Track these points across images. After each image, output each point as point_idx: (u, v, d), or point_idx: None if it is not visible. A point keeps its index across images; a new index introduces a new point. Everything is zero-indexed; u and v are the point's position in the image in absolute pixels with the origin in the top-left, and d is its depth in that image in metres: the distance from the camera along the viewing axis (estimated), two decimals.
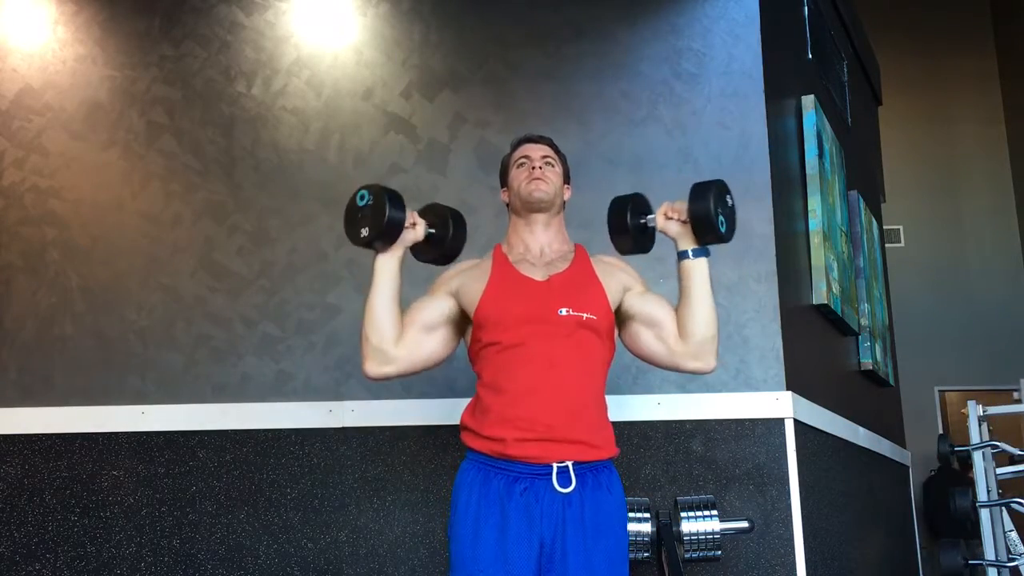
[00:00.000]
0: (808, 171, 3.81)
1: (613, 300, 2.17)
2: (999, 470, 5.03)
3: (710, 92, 3.26)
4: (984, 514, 4.85)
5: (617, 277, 2.22)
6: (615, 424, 2.98)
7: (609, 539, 2.03)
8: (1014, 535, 4.90)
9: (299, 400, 3.17)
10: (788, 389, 3.00)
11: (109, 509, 3.13)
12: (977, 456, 4.93)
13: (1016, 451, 4.94)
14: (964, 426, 5.12)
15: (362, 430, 3.10)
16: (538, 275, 2.16)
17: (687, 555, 2.63)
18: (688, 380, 3.05)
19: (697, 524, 2.62)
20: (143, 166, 3.44)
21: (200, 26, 3.53)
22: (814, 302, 3.70)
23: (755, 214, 3.15)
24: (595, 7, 3.38)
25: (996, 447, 4.94)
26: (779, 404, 2.98)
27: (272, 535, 3.08)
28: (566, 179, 2.34)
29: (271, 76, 3.46)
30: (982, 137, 9.18)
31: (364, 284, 3.25)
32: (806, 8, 4.30)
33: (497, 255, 2.23)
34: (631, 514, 2.64)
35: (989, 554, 4.80)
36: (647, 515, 2.66)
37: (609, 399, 2.99)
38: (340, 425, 3.12)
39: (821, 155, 3.90)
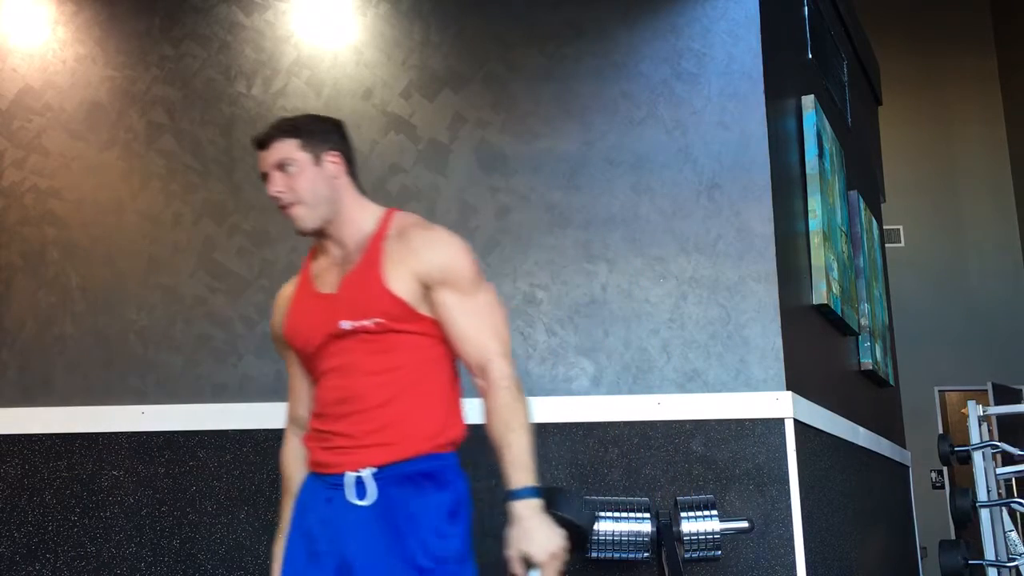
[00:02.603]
0: (808, 171, 3.81)
1: (405, 289, 1.91)
2: (999, 470, 5.03)
3: (710, 92, 3.26)
4: (984, 514, 4.85)
5: (411, 262, 1.92)
6: (616, 424, 3.01)
7: (413, 545, 1.85)
8: (1014, 535, 4.90)
9: None
10: (788, 389, 3.01)
11: (109, 509, 3.14)
12: (977, 456, 4.93)
13: (1016, 451, 4.94)
14: (964, 426, 5.12)
15: None
16: (331, 283, 1.99)
17: (687, 555, 2.63)
18: (688, 380, 3.05)
19: (697, 524, 2.62)
20: (143, 166, 3.44)
21: (200, 26, 3.53)
22: (814, 302, 3.71)
23: (755, 214, 3.15)
24: (595, 7, 3.38)
25: (996, 447, 4.94)
26: (779, 404, 2.98)
27: (272, 535, 3.06)
28: (321, 147, 1.98)
29: (271, 76, 3.46)
30: (982, 137, 9.19)
31: None
32: (806, 8, 4.30)
33: (304, 267, 2.09)
34: (632, 514, 2.64)
35: (989, 554, 4.81)
36: (647, 515, 2.66)
37: (609, 399, 3.02)
38: None
39: (821, 155, 3.90)
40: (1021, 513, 5.01)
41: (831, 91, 4.64)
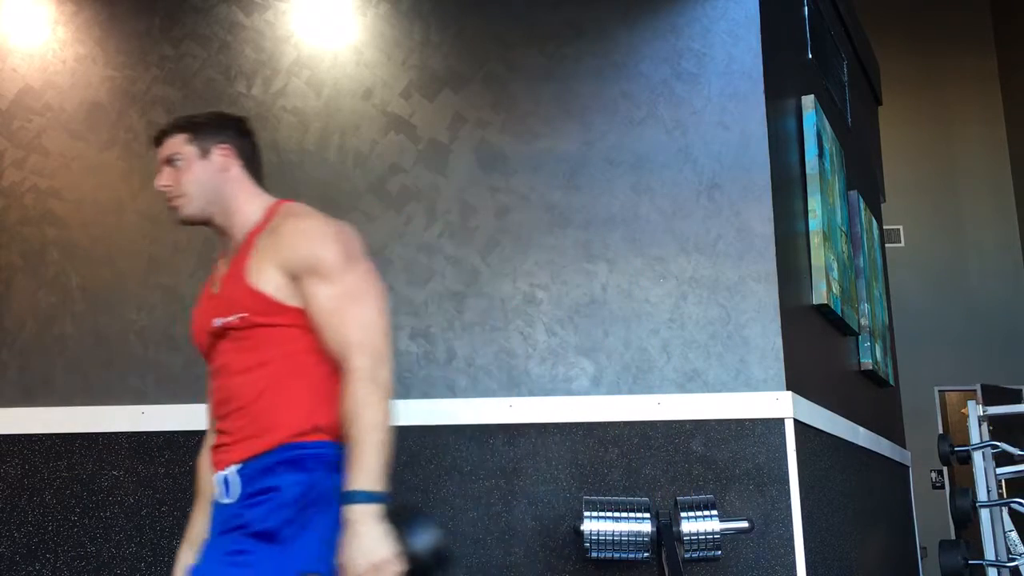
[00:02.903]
0: (808, 171, 3.81)
1: (269, 282, 1.86)
2: (999, 470, 5.04)
3: (710, 92, 3.26)
4: (984, 514, 4.85)
5: (278, 254, 1.87)
6: (616, 424, 3.01)
7: (239, 528, 1.77)
8: (1014, 535, 4.90)
9: None
10: (788, 389, 3.01)
11: (109, 509, 3.13)
12: (977, 456, 4.94)
13: (1016, 451, 4.95)
14: (964, 426, 5.13)
15: None
16: (219, 281, 1.97)
17: (687, 555, 2.63)
18: (688, 380, 3.05)
19: (697, 524, 2.62)
20: (143, 166, 3.44)
21: (200, 26, 3.53)
22: (814, 302, 3.71)
23: (755, 214, 3.15)
24: (595, 7, 3.38)
25: (996, 447, 4.94)
26: (779, 404, 2.98)
27: None
28: (210, 141, 1.99)
29: (271, 76, 3.46)
30: (982, 137, 9.19)
31: None
32: (806, 8, 4.30)
33: (213, 268, 2.09)
34: (632, 514, 2.65)
35: (989, 554, 4.81)
36: (647, 515, 2.66)
37: (609, 399, 3.03)
38: None
39: (821, 155, 3.90)
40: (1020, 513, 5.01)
41: (831, 91, 4.64)
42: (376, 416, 1.76)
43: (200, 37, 3.52)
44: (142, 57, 3.53)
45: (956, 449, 5.07)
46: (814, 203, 3.77)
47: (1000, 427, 5.30)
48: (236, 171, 2.00)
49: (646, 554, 2.65)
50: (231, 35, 3.51)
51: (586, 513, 2.66)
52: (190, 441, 3.16)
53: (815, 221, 3.75)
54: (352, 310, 1.84)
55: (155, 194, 3.40)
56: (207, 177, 1.97)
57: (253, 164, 2.05)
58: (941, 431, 8.42)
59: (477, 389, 3.10)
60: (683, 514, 2.64)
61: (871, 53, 6.26)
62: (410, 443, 3.07)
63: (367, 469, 1.71)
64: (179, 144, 1.98)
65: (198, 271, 3.32)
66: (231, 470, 1.83)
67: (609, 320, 3.12)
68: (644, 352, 3.09)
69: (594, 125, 3.28)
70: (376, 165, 3.34)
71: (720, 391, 3.03)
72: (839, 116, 4.82)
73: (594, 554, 2.64)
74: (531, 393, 3.08)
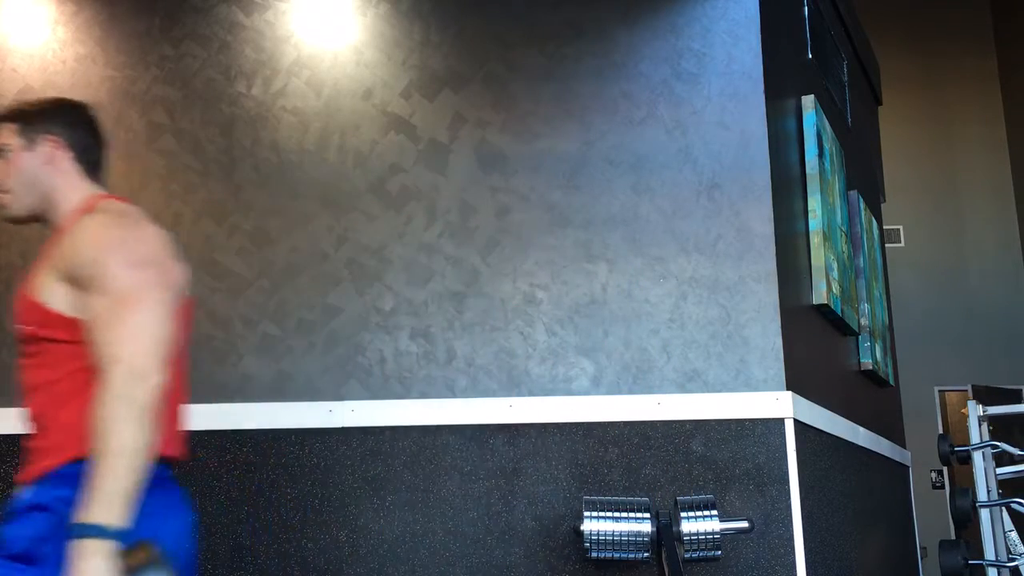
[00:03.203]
0: (808, 171, 3.81)
1: (52, 292, 1.73)
2: (999, 470, 5.03)
3: (710, 92, 3.26)
4: (984, 514, 4.85)
5: (62, 260, 1.74)
6: (616, 424, 3.01)
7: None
8: (1014, 535, 4.90)
9: (299, 400, 3.17)
10: (788, 389, 3.01)
11: None
12: (977, 456, 4.94)
13: (1016, 451, 4.95)
14: (964, 426, 5.13)
15: (362, 430, 3.10)
16: None
17: (687, 555, 2.64)
18: (688, 380, 3.05)
19: (697, 524, 2.63)
20: (143, 166, 3.44)
21: (200, 26, 3.53)
22: (814, 302, 3.71)
23: (755, 214, 3.15)
24: (595, 7, 3.38)
25: (996, 447, 4.94)
26: (779, 404, 2.98)
27: (272, 535, 3.08)
28: (37, 132, 1.86)
29: (271, 76, 3.46)
30: (982, 137, 9.19)
31: (364, 284, 3.27)
32: (806, 8, 4.30)
33: None
34: (632, 514, 2.65)
35: (989, 554, 4.81)
36: (647, 515, 2.66)
37: (609, 399, 3.03)
38: (340, 425, 3.12)
39: (821, 155, 3.90)
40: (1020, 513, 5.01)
41: (831, 91, 4.64)
42: (122, 439, 1.58)
43: (200, 37, 3.52)
44: (142, 57, 3.53)
45: (956, 449, 5.07)
46: (814, 203, 3.77)
47: (1000, 427, 5.30)
48: (65, 164, 1.87)
49: (646, 554, 2.65)
50: (231, 35, 3.51)
51: (586, 513, 2.66)
52: (190, 441, 3.15)
53: (815, 221, 3.75)
54: (118, 321, 1.66)
55: (154, 193, 3.42)
56: (32, 170, 1.85)
57: (88, 156, 1.91)
58: (941, 431, 8.43)
59: (477, 389, 3.10)
60: (683, 514, 2.64)
61: (871, 53, 6.26)
62: (410, 443, 3.07)
63: (103, 500, 1.55)
64: (8, 135, 1.86)
65: (198, 271, 3.32)
66: (22, 491, 1.77)
67: (609, 320, 3.12)
68: (644, 352, 3.09)
69: (594, 125, 3.28)
70: (376, 165, 3.34)
71: (720, 391, 3.03)
72: (839, 116, 4.82)
73: (594, 554, 2.64)
74: (531, 393, 3.08)
